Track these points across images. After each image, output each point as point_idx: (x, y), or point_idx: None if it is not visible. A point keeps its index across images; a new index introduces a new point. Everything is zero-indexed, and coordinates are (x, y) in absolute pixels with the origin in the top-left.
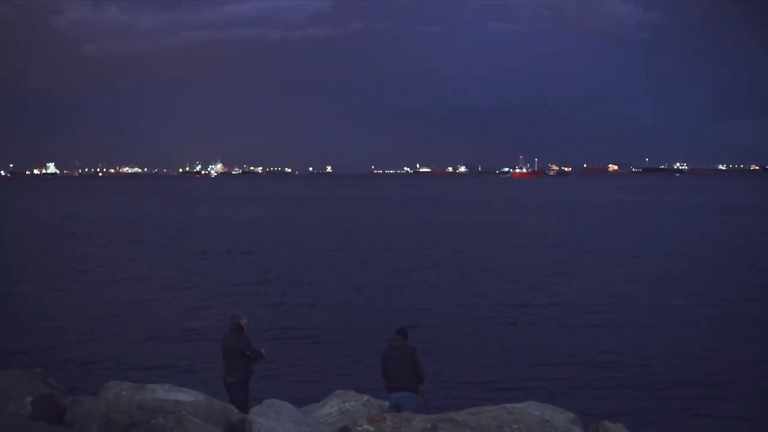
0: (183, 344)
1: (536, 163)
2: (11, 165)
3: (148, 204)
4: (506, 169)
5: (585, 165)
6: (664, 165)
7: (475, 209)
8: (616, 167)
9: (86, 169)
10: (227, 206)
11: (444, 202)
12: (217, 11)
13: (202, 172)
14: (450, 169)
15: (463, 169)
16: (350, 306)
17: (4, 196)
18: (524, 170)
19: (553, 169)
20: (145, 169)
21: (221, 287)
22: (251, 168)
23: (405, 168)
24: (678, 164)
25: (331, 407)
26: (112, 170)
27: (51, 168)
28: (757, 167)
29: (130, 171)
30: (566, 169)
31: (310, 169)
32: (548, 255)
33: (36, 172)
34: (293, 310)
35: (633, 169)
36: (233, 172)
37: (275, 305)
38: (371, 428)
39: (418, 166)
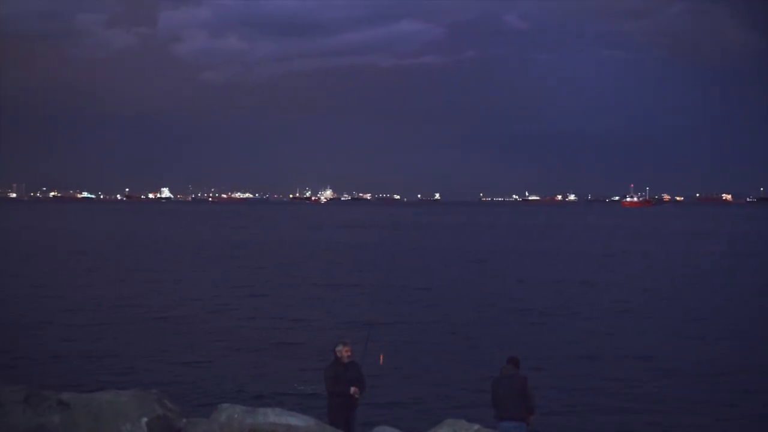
0: (294, 367)
1: (647, 191)
2: (127, 189)
3: (260, 227)
4: (616, 198)
5: (698, 194)
6: None
7: (597, 238)
8: (729, 197)
9: (198, 194)
10: (346, 230)
11: (563, 231)
12: (334, 39)
13: (312, 197)
14: (559, 197)
15: (572, 197)
16: (467, 331)
17: (121, 218)
18: (635, 199)
19: (665, 198)
20: (257, 195)
21: (340, 310)
22: (360, 194)
23: (513, 195)
24: None
25: None
26: (224, 195)
27: (165, 192)
28: None
29: (241, 196)
30: (679, 198)
31: (419, 195)
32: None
33: (151, 196)
34: (410, 332)
35: (748, 199)
36: (342, 198)
37: (393, 326)
38: None
39: (526, 193)
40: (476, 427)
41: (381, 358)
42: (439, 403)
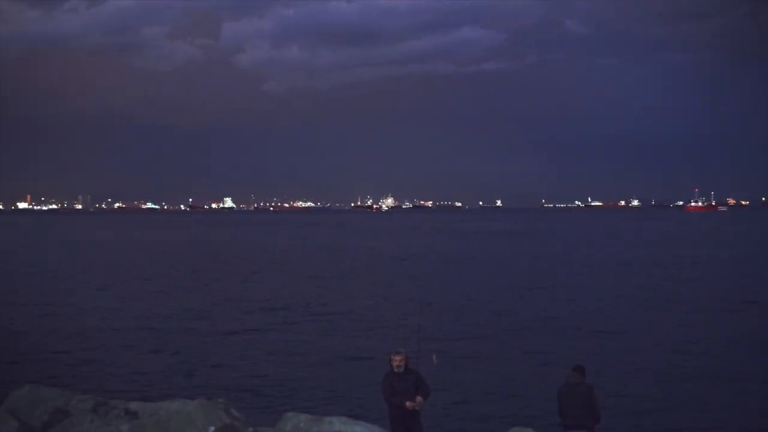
0: (358, 375)
1: (712, 196)
2: (190, 199)
3: (325, 235)
4: (680, 203)
5: (763, 198)
6: None
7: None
8: None
9: (261, 204)
10: (417, 237)
11: (635, 238)
12: (395, 48)
13: (374, 206)
14: (622, 202)
15: (636, 202)
16: (530, 340)
17: (185, 228)
18: (699, 203)
19: (730, 203)
20: (318, 203)
21: (400, 319)
22: (421, 202)
23: (576, 201)
24: None
25: None
26: (286, 204)
27: (228, 202)
28: None
29: (303, 205)
30: (744, 202)
31: (480, 203)
32: None
33: (214, 206)
34: (481, 340)
35: None
36: (403, 206)
37: (456, 336)
38: None
39: (589, 199)
40: None
41: (435, 358)
42: (506, 410)
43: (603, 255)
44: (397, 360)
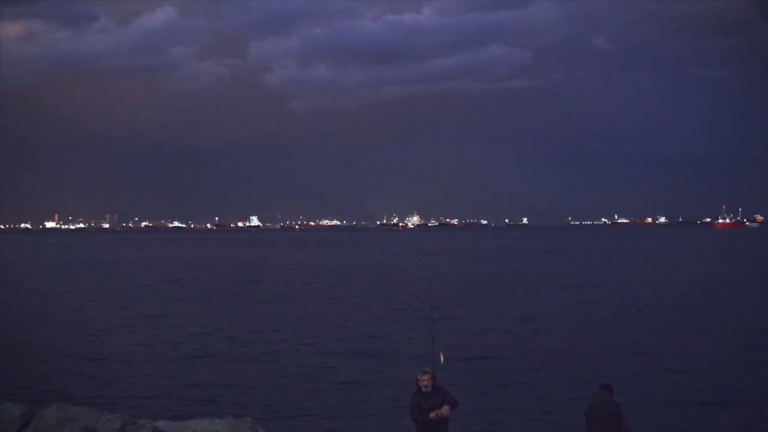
0: (382, 395)
1: (740, 212)
2: (217, 218)
3: (350, 254)
4: (708, 220)
5: None
6: None
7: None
8: None
9: (287, 222)
10: (446, 257)
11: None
12: (422, 66)
13: (400, 224)
14: (649, 219)
15: (663, 219)
16: (566, 357)
17: (214, 248)
18: (727, 220)
19: (758, 219)
20: (344, 221)
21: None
22: (447, 219)
23: (602, 219)
24: None
25: None
26: (312, 223)
27: (254, 221)
28: None
29: (329, 223)
30: None
31: (506, 220)
32: None
33: (240, 224)
34: (508, 359)
35: None
36: (429, 224)
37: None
38: None
39: (616, 216)
40: None
41: (441, 356)
42: (534, 430)
43: (633, 271)
44: (425, 380)
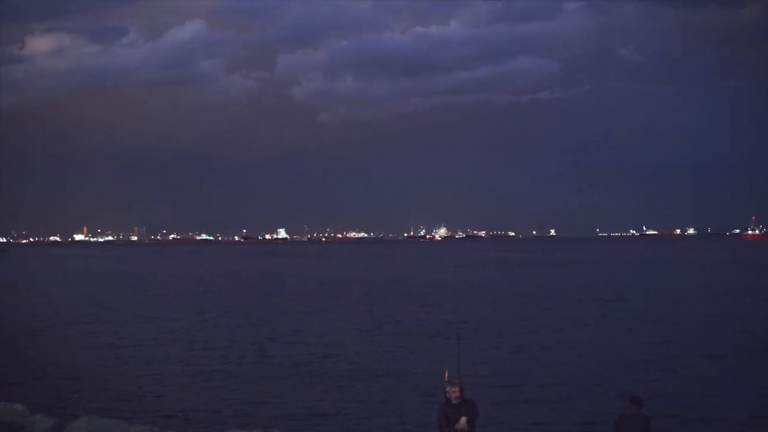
0: (411, 408)
1: None
2: (244, 230)
3: (378, 266)
4: (737, 231)
5: None
6: None
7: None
8: None
9: (314, 234)
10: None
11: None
12: (449, 78)
13: (427, 236)
14: (678, 231)
15: (691, 231)
16: (595, 370)
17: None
18: (757, 231)
19: None
20: (371, 234)
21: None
22: (474, 231)
23: (631, 230)
24: None
25: None
26: (339, 235)
27: (282, 233)
28: None
29: (356, 235)
30: None
31: (534, 232)
32: None
33: (267, 237)
34: (535, 372)
35: None
36: (456, 236)
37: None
38: None
39: (644, 228)
40: None
41: (446, 374)
42: None
43: (664, 283)
44: (455, 392)
